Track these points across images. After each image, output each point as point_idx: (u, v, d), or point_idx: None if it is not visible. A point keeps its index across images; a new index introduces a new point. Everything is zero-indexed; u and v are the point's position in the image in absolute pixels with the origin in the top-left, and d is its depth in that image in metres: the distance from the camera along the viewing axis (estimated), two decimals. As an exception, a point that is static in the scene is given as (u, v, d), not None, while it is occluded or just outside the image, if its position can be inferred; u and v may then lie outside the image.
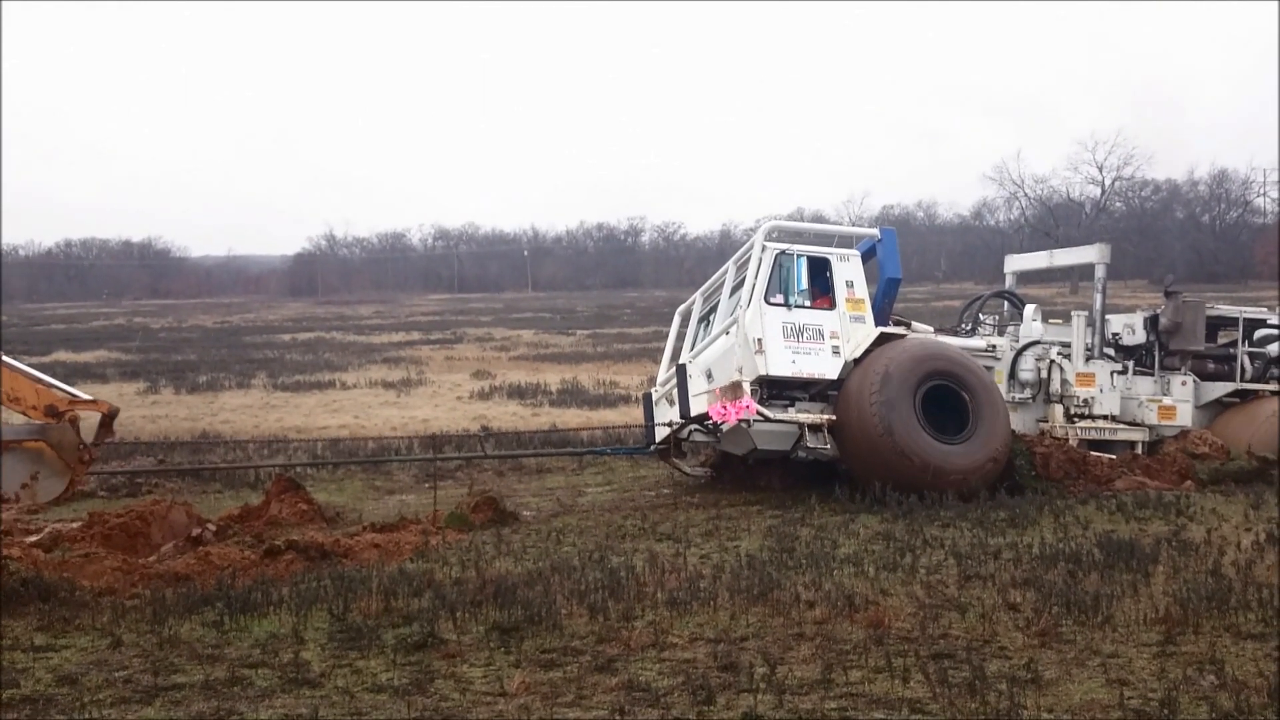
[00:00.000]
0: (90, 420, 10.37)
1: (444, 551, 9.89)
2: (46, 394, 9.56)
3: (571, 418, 22.04)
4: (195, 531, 10.89)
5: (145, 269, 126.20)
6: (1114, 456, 13.60)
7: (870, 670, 6.10)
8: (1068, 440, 13.65)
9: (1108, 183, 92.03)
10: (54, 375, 32.29)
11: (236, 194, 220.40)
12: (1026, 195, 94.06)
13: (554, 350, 41.73)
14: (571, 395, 26.09)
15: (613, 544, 10.16)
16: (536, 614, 7.21)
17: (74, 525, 11.01)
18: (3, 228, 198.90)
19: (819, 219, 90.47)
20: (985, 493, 11.89)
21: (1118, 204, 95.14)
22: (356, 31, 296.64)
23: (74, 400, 9.75)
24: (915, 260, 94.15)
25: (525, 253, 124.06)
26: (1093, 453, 13.45)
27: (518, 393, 26.64)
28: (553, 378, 30.09)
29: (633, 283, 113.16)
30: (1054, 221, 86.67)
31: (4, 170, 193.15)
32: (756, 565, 8.62)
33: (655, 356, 15.71)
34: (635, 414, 16.24)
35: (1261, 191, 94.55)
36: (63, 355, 39.98)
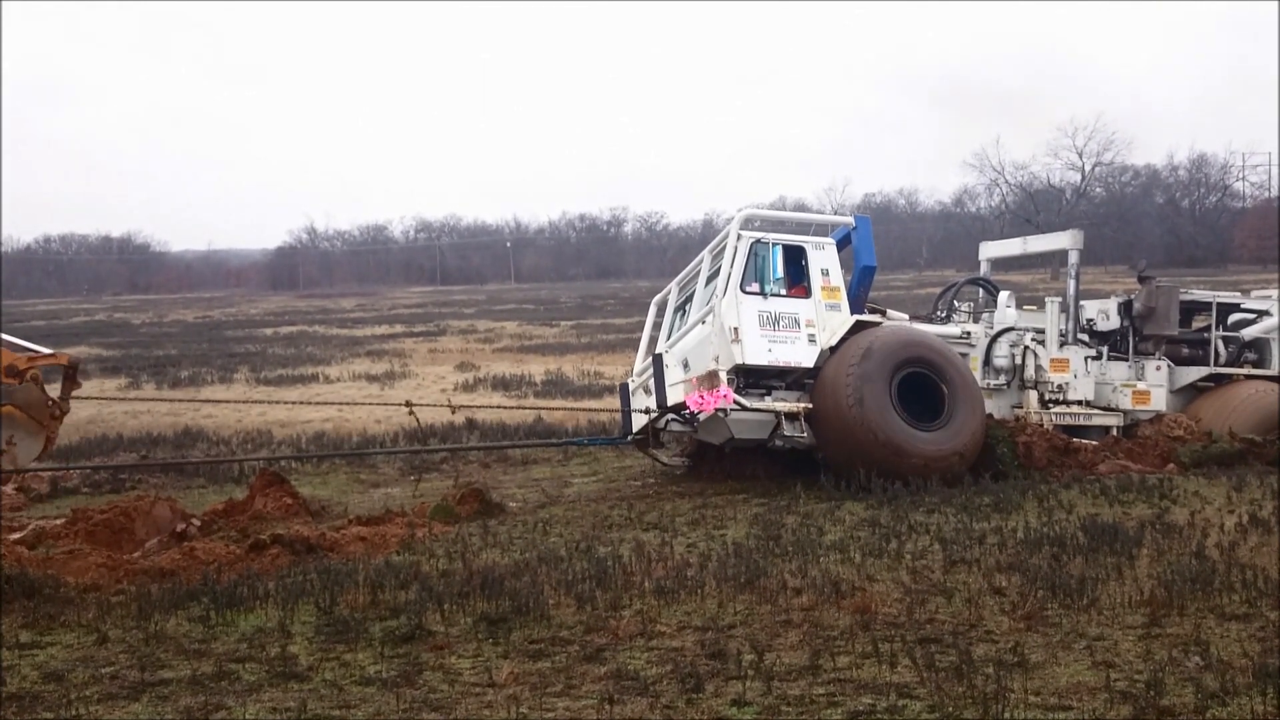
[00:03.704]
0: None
1: (430, 544, 9.87)
2: (5, 355, 9.44)
3: (556, 408, 22.01)
4: (180, 527, 10.85)
5: (125, 264, 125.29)
6: (1095, 442, 13.68)
7: (858, 656, 6.12)
8: (1047, 426, 13.70)
9: (1088, 168, 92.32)
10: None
11: (216, 187, 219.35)
12: (1007, 182, 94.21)
13: (538, 341, 41.67)
14: (556, 386, 26.07)
15: (599, 534, 10.16)
16: (524, 605, 7.21)
17: (58, 522, 10.96)
18: (2, 224, 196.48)
19: (801, 207, 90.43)
20: (969, 478, 11.94)
21: (1098, 189, 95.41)
22: (334, 25, 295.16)
23: (33, 357, 9.64)
24: (897, 248, 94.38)
25: (508, 244, 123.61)
26: (1075, 439, 13.52)
27: (502, 384, 26.61)
28: (537, 369, 30.07)
29: (616, 273, 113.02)
30: (1035, 208, 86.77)
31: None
32: (743, 553, 8.63)
33: (639, 346, 15.76)
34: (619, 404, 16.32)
35: (1240, 176, 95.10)
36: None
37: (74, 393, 10.43)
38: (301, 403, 18.59)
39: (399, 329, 49.73)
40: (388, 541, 10.13)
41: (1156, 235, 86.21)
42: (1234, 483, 11.14)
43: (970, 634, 6.48)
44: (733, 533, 9.84)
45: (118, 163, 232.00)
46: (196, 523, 11.18)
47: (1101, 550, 8.19)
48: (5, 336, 9.77)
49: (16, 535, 10.23)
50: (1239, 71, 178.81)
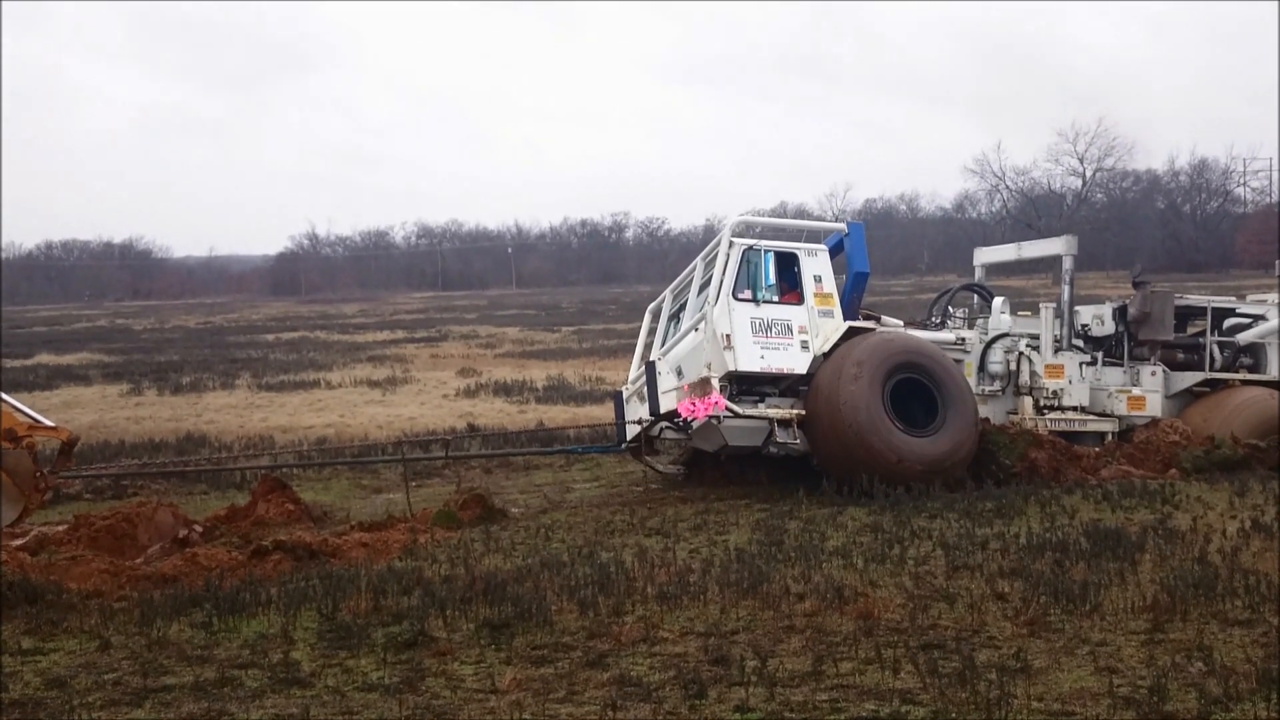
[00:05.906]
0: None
1: (432, 549, 9.87)
2: (7, 418, 9.42)
3: (558, 414, 22.03)
4: (182, 533, 10.86)
5: (127, 270, 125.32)
6: (1098, 448, 13.66)
7: (861, 661, 6.12)
8: (1043, 432, 13.64)
9: (1089, 174, 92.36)
10: (36, 378, 31.92)
11: (218, 193, 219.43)
12: (1008, 187, 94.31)
13: (540, 347, 41.68)
14: (558, 391, 26.07)
15: (602, 539, 10.16)
16: (527, 610, 7.21)
17: (60, 528, 10.97)
18: (2, 229, 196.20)
19: (802, 213, 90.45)
20: (972, 483, 11.94)
21: (1099, 195, 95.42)
22: (336, 28, 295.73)
23: (34, 425, 9.63)
24: (898, 253, 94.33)
25: (509, 249, 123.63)
26: (1076, 445, 13.50)
27: (504, 390, 26.62)
28: (539, 374, 30.06)
29: (617, 278, 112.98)
30: (1035, 213, 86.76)
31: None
32: (746, 559, 8.63)
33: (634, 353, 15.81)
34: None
35: (1241, 181, 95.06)
36: (45, 358, 39.74)
37: (65, 470, 10.43)
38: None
39: (401, 334, 49.73)
40: (390, 547, 10.14)
41: (1158, 240, 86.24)
42: (1236, 488, 11.15)
43: (973, 640, 6.47)
44: (735, 538, 9.84)
45: (119, 169, 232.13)
46: (198, 529, 11.18)
47: (1104, 556, 8.19)
48: (10, 400, 9.76)
49: (19, 541, 10.23)
50: (1240, 76, 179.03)
